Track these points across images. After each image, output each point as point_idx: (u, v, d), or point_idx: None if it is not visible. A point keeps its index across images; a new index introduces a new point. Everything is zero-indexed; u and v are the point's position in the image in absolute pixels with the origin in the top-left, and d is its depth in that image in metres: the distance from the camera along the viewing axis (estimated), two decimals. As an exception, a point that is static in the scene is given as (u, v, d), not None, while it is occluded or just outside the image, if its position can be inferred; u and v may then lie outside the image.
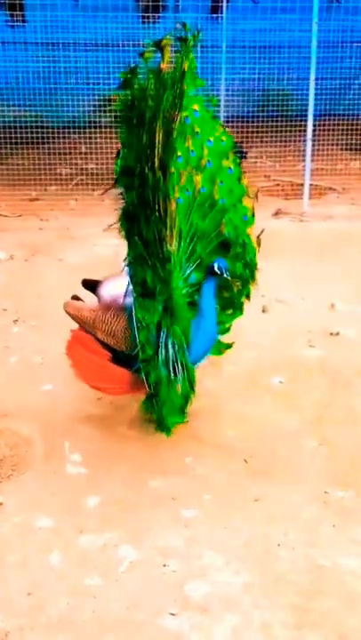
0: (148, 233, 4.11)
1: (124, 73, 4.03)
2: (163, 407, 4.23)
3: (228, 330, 4.73)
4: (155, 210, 4.11)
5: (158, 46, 4.07)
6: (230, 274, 4.44)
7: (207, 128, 4.38)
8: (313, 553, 3.49)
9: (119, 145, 4.20)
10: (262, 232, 4.61)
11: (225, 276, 4.16)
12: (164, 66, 4.03)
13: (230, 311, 4.68)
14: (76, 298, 4.69)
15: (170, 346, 4.18)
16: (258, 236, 4.66)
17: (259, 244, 4.67)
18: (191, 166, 4.31)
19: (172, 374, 4.17)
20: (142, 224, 4.12)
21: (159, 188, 4.10)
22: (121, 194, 4.19)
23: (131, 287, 4.23)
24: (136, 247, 4.14)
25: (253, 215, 4.60)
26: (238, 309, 4.71)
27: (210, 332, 4.27)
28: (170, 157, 4.12)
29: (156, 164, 4.08)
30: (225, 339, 4.71)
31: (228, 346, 4.74)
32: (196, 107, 4.29)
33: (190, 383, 4.26)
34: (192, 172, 4.32)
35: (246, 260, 4.57)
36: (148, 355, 4.14)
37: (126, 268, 4.28)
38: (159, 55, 4.04)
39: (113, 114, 4.21)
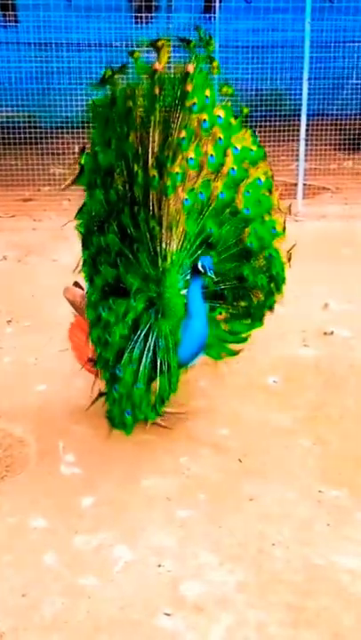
0: (135, 230, 4.07)
1: (105, 71, 3.98)
2: (114, 406, 4.09)
3: (244, 339, 4.66)
4: (148, 207, 4.10)
5: (154, 46, 4.05)
6: (251, 284, 4.41)
7: (234, 135, 4.37)
8: (308, 552, 3.50)
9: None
10: (293, 247, 4.58)
11: (209, 274, 4.08)
12: (159, 66, 4.01)
13: (248, 321, 4.62)
14: (76, 285, 4.71)
15: (152, 344, 4.13)
16: (288, 251, 4.60)
17: (289, 259, 4.61)
18: (209, 170, 4.29)
19: (151, 373, 4.11)
20: (126, 221, 4.06)
21: (153, 186, 4.09)
22: (85, 191, 4.12)
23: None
24: (112, 244, 4.06)
25: (285, 229, 4.54)
26: (258, 320, 4.64)
27: (198, 331, 4.21)
28: (169, 157, 4.10)
29: (150, 162, 4.07)
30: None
31: (233, 353, 4.66)
32: (220, 113, 4.29)
33: (171, 383, 4.18)
34: (210, 176, 4.30)
35: (272, 274, 4.51)
36: (98, 354, 4.06)
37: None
38: (152, 55, 4.04)
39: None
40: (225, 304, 4.56)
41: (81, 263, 4.25)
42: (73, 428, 4.56)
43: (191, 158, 4.23)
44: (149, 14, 11.38)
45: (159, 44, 4.04)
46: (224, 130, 4.32)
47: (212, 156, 4.30)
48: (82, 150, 4.08)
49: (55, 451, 4.33)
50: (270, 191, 4.52)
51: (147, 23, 11.10)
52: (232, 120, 4.40)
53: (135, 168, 4.05)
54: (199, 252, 4.33)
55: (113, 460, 4.24)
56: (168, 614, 3.13)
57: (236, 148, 4.37)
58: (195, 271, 4.12)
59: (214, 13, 10.55)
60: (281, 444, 4.42)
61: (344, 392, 5.03)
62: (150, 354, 4.13)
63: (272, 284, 4.55)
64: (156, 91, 4.04)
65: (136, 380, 4.07)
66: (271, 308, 4.66)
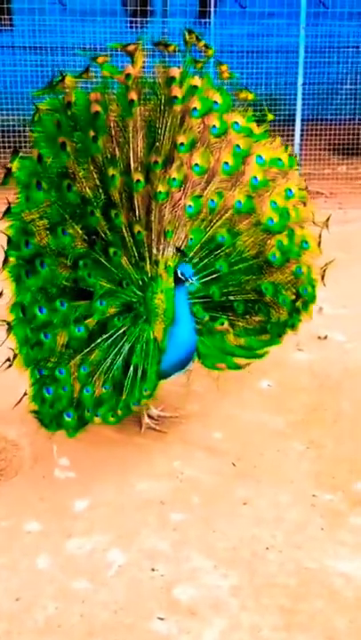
0: (111, 234, 4.00)
1: (57, 76, 3.87)
2: (44, 406, 3.96)
3: (259, 356, 4.53)
4: (131, 212, 4.05)
5: (126, 51, 3.98)
6: (270, 299, 4.28)
7: (257, 143, 4.28)
8: (301, 555, 3.50)
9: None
10: (330, 264, 4.48)
11: (190, 281, 3.98)
12: (133, 71, 3.95)
13: (265, 337, 4.48)
14: None
15: (125, 348, 4.07)
16: (322, 268, 4.46)
17: (322, 277, 4.46)
18: (223, 178, 4.21)
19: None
20: (96, 224, 3.96)
21: (137, 190, 4.05)
22: (19, 192, 3.86)
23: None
24: (70, 247, 3.88)
25: (319, 244, 4.41)
26: (275, 338, 4.51)
27: (183, 339, 4.13)
28: (158, 162, 4.07)
29: (133, 166, 4.02)
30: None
31: (237, 366, 4.51)
32: (237, 119, 4.22)
33: (142, 390, 4.10)
34: (224, 183, 4.22)
35: (298, 291, 4.39)
36: (22, 354, 3.93)
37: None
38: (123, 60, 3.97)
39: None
40: (233, 316, 4.43)
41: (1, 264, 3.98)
42: (67, 431, 4.55)
43: (197, 164, 4.16)
44: (144, 19, 11.40)
45: (130, 48, 3.97)
46: (243, 137, 4.24)
47: (226, 163, 4.21)
48: (15, 153, 3.88)
49: (49, 454, 4.32)
50: (304, 203, 4.40)
51: (142, 28, 11.12)
52: (253, 127, 4.30)
53: (110, 172, 3.96)
54: (204, 261, 4.26)
55: (107, 464, 4.24)
56: (162, 618, 3.13)
57: (260, 156, 4.26)
58: (177, 279, 4.03)
59: (209, 18, 10.59)
60: (275, 448, 4.43)
61: (338, 396, 5.04)
62: (121, 358, 4.06)
63: (299, 302, 4.42)
64: (133, 96, 3.97)
65: (88, 383, 3.97)
66: (294, 328, 4.52)
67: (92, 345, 4.02)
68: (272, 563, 3.45)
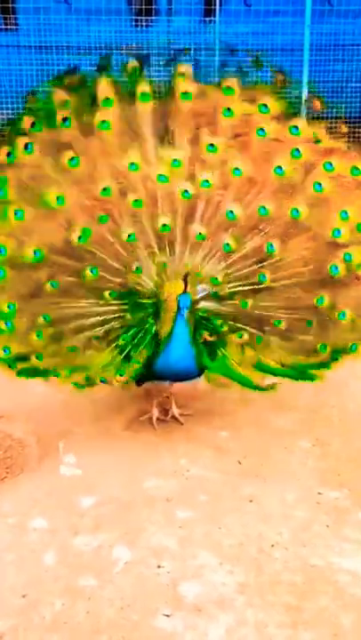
0: (126, 218, 4.00)
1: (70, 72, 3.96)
2: None
3: (309, 377, 4.31)
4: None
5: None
6: (325, 317, 4.09)
7: (327, 151, 4.10)
8: (307, 553, 3.50)
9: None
10: None
11: (182, 313, 3.91)
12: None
13: (315, 358, 4.24)
14: None
15: (112, 325, 4.12)
16: None
17: None
18: (277, 183, 4.01)
19: None
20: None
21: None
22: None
23: None
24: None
25: None
26: (329, 361, 4.27)
27: (176, 353, 4.04)
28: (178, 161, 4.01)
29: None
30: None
31: (255, 387, 4.32)
32: (298, 123, 4.07)
33: (119, 370, 4.12)
34: (279, 189, 4.02)
35: None
36: None
37: None
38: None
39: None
40: (270, 331, 4.21)
41: None
42: (73, 428, 4.57)
43: (237, 168, 4.00)
44: (149, 17, 11.40)
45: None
46: (305, 141, 4.06)
47: (279, 167, 3.99)
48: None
49: (55, 451, 4.34)
50: None
51: (147, 26, 11.12)
52: (319, 133, 4.13)
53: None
54: (244, 271, 4.10)
55: (113, 461, 4.25)
56: (167, 615, 3.13)
57: (329, 163, 4.03)
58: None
59: (214, 17, 10.58)
60: (281, 446, 4.43)
61: (344, 394, 5.04)
62: (103, 330, 4.10)
63: None
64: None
65: (40, 328, 4.01)
66: (356, 351, 4.25)
67: (68, 300, 4.05)
68: (278, 560, 3.46)
